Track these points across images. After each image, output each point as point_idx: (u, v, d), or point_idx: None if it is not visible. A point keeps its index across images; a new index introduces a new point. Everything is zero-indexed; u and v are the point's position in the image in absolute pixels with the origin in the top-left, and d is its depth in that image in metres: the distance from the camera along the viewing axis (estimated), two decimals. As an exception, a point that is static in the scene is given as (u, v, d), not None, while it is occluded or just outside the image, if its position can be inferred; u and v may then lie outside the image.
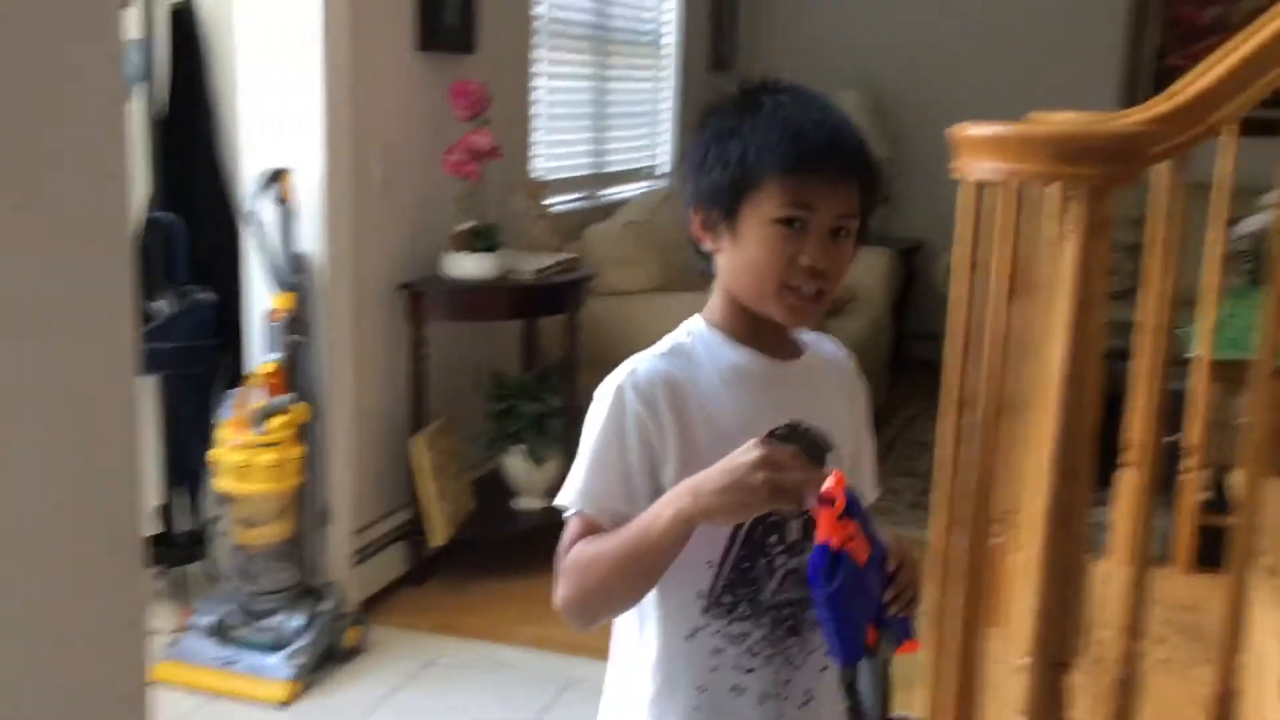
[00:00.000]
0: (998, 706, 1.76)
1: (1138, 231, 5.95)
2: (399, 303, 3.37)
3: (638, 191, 5.05)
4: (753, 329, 1.27)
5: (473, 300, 3.42)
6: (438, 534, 3.43)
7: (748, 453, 1.13)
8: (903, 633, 1.21)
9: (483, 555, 3.65)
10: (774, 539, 1.26)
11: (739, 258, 1.23)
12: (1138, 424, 2.17)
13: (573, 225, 4.37)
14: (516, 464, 3.65)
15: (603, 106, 4.87)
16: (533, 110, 4.20)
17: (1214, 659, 1.73)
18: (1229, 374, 3.22)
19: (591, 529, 1.23)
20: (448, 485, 3.50)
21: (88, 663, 1.10)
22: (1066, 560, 1.54)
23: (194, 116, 3.27)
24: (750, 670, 1.26)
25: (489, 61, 3.73)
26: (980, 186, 1.56)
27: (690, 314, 4.20)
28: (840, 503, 1.12)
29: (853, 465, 1.32)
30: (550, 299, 3.61)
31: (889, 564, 1.19)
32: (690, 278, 4.49)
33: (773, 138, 1.20)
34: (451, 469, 3.55)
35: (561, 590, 1.26)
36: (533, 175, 4.12)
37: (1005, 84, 5.21)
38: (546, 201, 4.14)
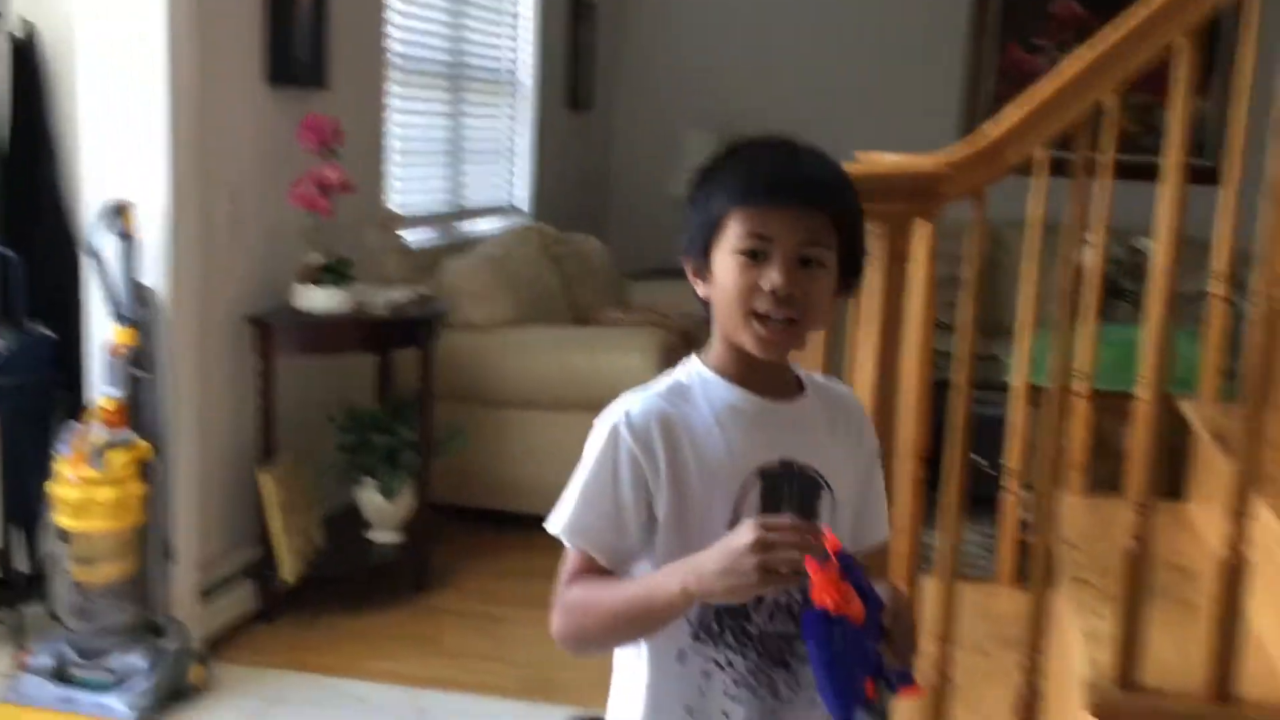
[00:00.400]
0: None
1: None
2: (246, 336, 3.35)
3: (496, 227, 5.09)
4: (747, 369, 1.31)
5: (323, 333, 3.42)
6: (287, 570, 3.40)
7: (742, 535, 1.17)
8: (901, 681, 1.23)
9: (335, 590, 3.63)
10: None
11: (715, 294, 1.29)
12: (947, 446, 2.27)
13: (430, 260, 4.39)
14: (369, 497, 3.65)
15: (459, 142, 4.91)
16: (387, 145, 4.22)
17: (1019, 664, 1.83)
18: (1038, 399, 3.40)
19: (591, 563, 1.29)
20: (297, 520, 3.48)
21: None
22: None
23: (35, 151, 3.21)
24: (737, 698, 1.30)
25: (341, 96, 3.75)
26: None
27: (549, 345, 4.28)
28: (833, 565, 1.15)
29: (857, 508, 1.37)
30: (403, 332, 3.62)
31: (884, 617, 1.21)
32: (543, 310, 4.57)
33: (732, 178, 1.27)
34: (301, 504, 3.52)
35: (558, 623, 1.30)
36: (387, 210, 4.14)
37: (852, 125, 5.41)
38: (402, 235, 4.16)
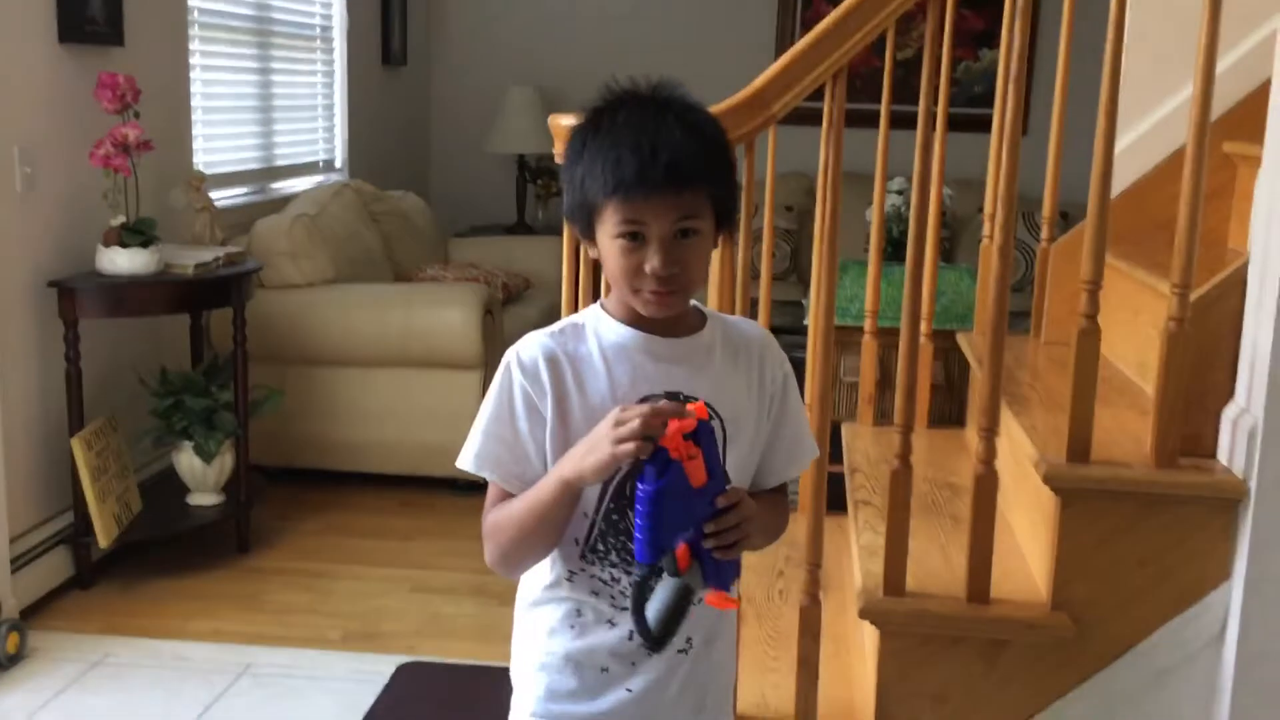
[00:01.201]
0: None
1: (789, 218, 6.41)
2: (49, 300, 3.28)
3: (311, 185, 5.05)
4: (636, 312, 1.38)
5: (129, 296, 3.37)
6: (104, 536, 3.37)
7: (604, 420, 1.27)
8: (716, 578, 1.26)
9: (155, 555, 3.61)
10: None
11: (604, 266, 1.37)
12: None
13: (242, 219, 4.35)
14: (186, 460, 3.62)
15: (268, 100, 4.84)
16: (192, 103, 4.15)
17: (802, 573, 1.98)
18: (838, 338, 3.58)
19: (503, 493, 1.39)
20: (112, 486, 3.44)
21: None
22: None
23: None
24: (623, 609, 1.38)
25: (140, 54, 3.67)
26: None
27: (366, 303, 4.29)
28: (690, 422, 1.22)
29: (769, 440, 1.43)
30: (214, 293, 3.59)
31: (722, 500, 1.27)
32: (363, 269, 4.57)
33: (598, 167, 1.32)
34: (116, 469, 3.48)
35: (486, 551, 1.41)
36: (195, 169, 4.07)
37: (670, 72, 5.52)
38: (212, 195, 4.10)
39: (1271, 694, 1.84)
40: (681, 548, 1.24)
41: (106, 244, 3.35)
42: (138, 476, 3.68)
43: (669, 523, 1.24)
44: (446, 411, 4.15)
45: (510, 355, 1.40)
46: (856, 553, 2.13)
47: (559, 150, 1.75)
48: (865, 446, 2.68)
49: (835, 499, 2.59)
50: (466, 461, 1.40)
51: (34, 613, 3.24)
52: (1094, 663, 1.91)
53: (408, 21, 6.10)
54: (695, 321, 1.42)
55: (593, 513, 1.38)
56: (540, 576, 1.44)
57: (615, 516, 1.37)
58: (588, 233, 1.38)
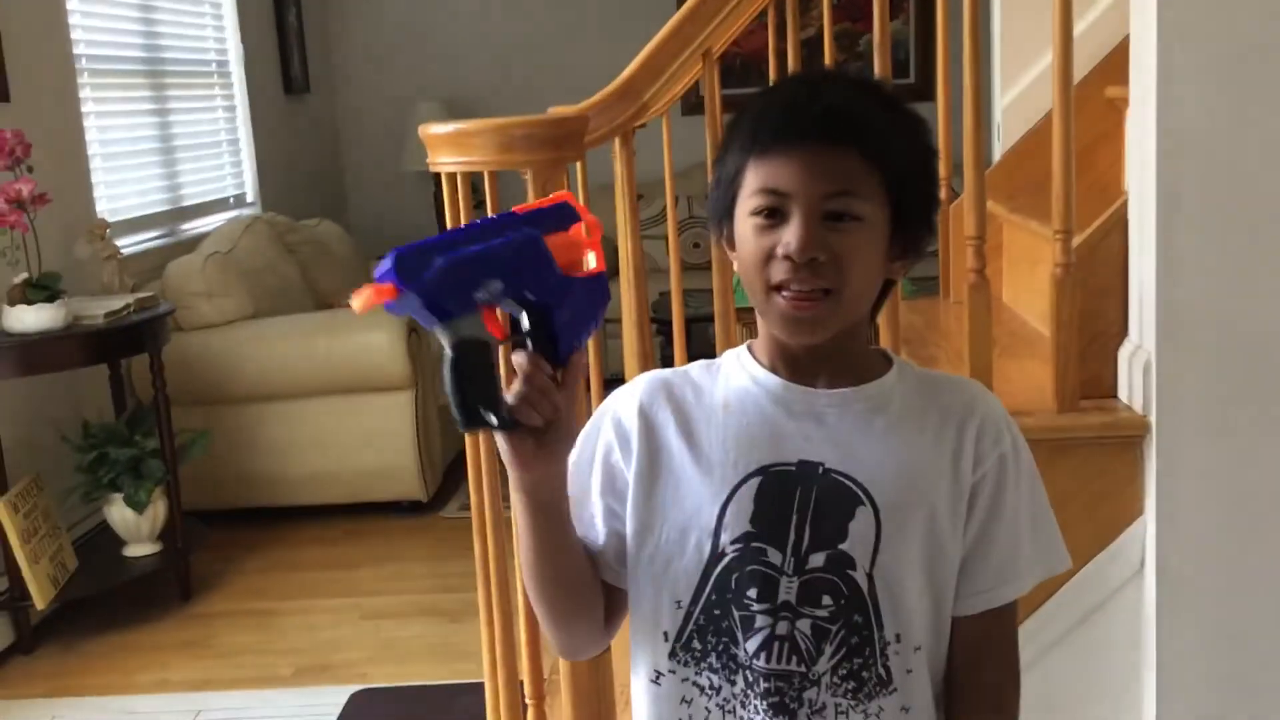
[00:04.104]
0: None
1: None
2: (-42, 365, 3.23)
3: (223, 222, 5.00)
4: (780, 350, 1.08)
5: (40, 352, 3.31)
6: (40, 598, 3.31)
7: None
8: (508, 420, 1.00)
9: (96, 611, 3.56)
10: (753, 592, 1.06)
11: (740, 268, 1.06)
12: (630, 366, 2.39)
13: (155, 263, 4.29)
14: (118, 512, 3.57)
15: (170, 140, 4.79)
16: (89, 151, 4.09)
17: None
18: (750, 318, 3.59)
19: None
20: (44, 546, 3.39)
21: None
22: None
23: None
24: None
25: (27, 106, 3.62)
26: (452, 178, 1.73)
27: (288, 334, 4.25)
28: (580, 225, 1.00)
29: (941, 541, 1.07)
30: (128, 340, 3.55)
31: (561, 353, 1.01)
32: (283, 301, 4.52)
33: (745, 125, 1.06)
34: (46, 529, 3.43)
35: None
36: (98, 218, 4.02)
37: (576, 80, 5.51)
38: (121, 241, 4.05)
39: (1193, 618, 1.87)
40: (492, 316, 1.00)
41: (11, 302, 3.30)
42: (71, 534, 3.62)
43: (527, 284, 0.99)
44: (380, 435, 4.13)
45: (612, 396, 1.14)
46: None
47: (432, 160, 1.74)
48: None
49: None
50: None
51: (-24, 683, 3.18)
52: (1021, 611, 1.93)
53: (306, 48, 6.05)
54: (869, 369, 1.10)
55: (688, 602, 1.08)
56: (631, 671, 1.15)
57: (718, 612, 1.07)
58: (728, 224, 1.07)
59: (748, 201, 1.04)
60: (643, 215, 5.81)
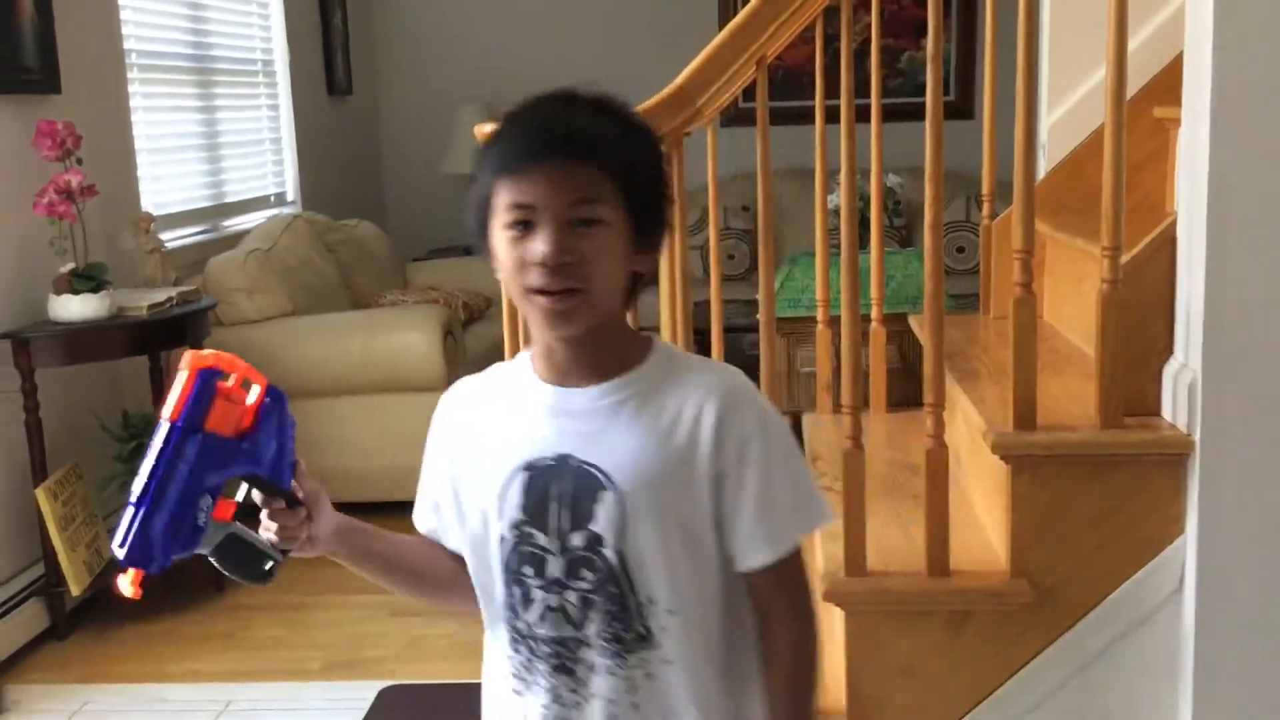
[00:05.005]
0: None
1: (748, 218, 6.43)
2: (4, 352, 3.27)
3: (264, 220, 5.04)
4: (545, 352, 1.23)
5: (84, 342, 3.35)
6: (76, 585, 3.35)
7: None
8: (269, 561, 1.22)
9: (129, 600, 3.58)
10: (529, 570, 1.24)
11: (501, 276, 1.19)
12: None
13: (195, 258, 4.34)
14: (155, 502, 3.60)
15: (214, 137, 4.84)
16: (135, 145, 4.14)
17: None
18: (790, 329, 3.61)
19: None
20: (81, 533, 3.43)
21: None
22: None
23: None
24: (526, 684, 1.27)
25: (79, 99, 3.67)
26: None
27: (325, 332, 4.29)
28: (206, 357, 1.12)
29: (685, 518, 1.20)
30: (169, 333, 3.58)
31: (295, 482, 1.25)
32: (320, 299, 4.56)
33: (493, 146, 1.18)
34: (84, 516, 3.47)
35: None
36: (143, 211, 4.06)
37: (617, 88, 5.54)
38: (162, 236, 4.09)
39: (1232, 638, 1.87)
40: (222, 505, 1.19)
41: (58, 292, 3.34)
42: (107, 522, 3.66)
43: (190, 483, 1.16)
44: (413, 435, 4.09)
45: (439, 405, 1.34)
46: (819, 538, 2.15)
47: (488, 159, 1.76)
48: (825, 434, 2.69)
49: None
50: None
51: (10, 667, 3.21)
52: (1058, 626, 1.93)
53: (350, 50, 6.10)
54: (628, 361, 1.22)
55: (490, 581, 1.29)
56: None
57: (508, 589, 1.27)
58: (485, 238, 1.20)
59: (501, 216, 1.16)
60: (679, 225, 5.80)
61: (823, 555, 2.04)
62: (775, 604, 1.25)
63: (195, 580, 3.67)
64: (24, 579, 3.37)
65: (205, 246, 4.50)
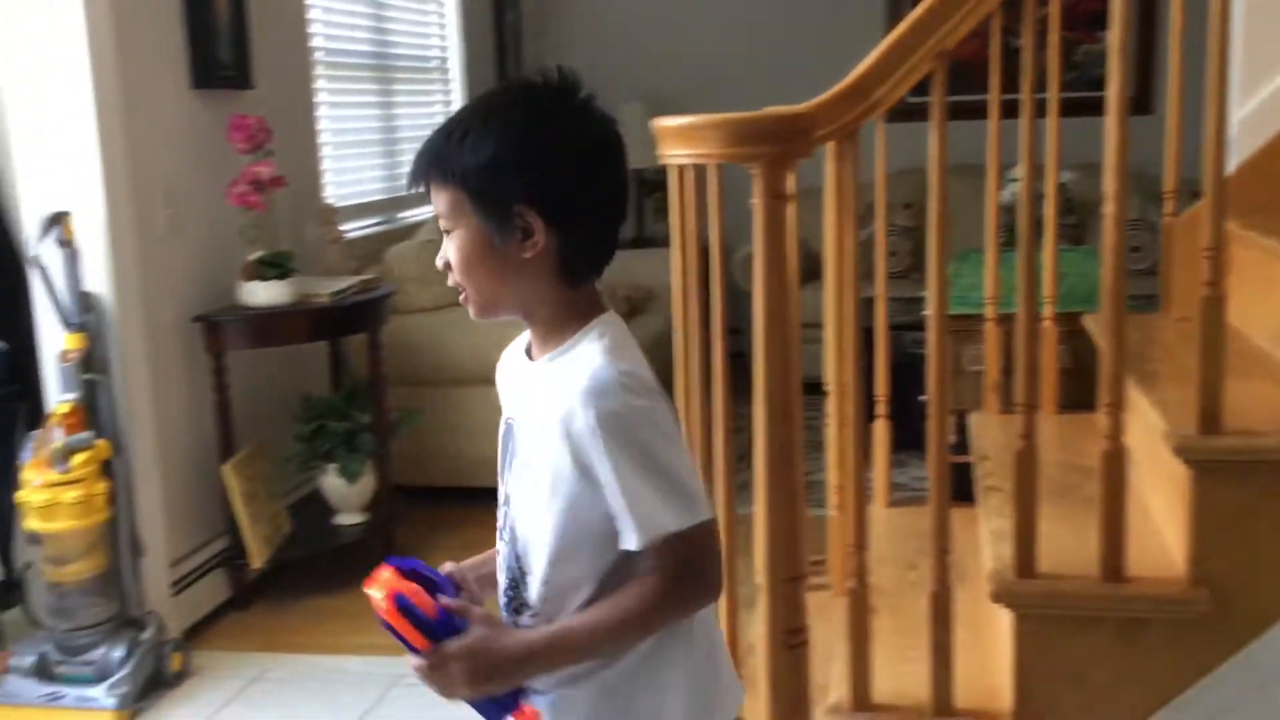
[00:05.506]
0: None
1: (908, 215, 6.32)
2: (196, 335, 3.45)
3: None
4: (529, 328, 1.36)
5: (269, 326, 3.52)
6: (257, 557, 3.51)
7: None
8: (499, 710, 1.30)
9: (306, 574, 3.75)
10: (500, 515, 1.40)
11: None
12: (831, 373, 2.37)
13: (373, 248, 4.50)
14: (331, 482, 3.76)
15: (392, 132, 5.01)
16: (319, 139, 4.32)
17: (930, 564, 1.97)
18: (955, 326, 3.54)
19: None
20: (263, 509, 3.59)
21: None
22: (784, 489, 1.76)
23: (-30, 169, 3.30)
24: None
25: (268, 95, 3.84)
26: (681, 171, 1.78)
27: (492, 323, 4.43)
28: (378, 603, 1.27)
29: (561, 490, 1.28)
30: (350, 319, 3.73)
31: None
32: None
33: None
34: (265, 493, 3.64)
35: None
36: (325, 202, 4.23)
37: (780, 84, 5.53)
38: (342, 227, 4.26)
39: None
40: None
41: (246, 278, 3.51)
42: (286, 499, 3.83)
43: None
44: (577, 424, 4.22)
45: (632, 385, 1.26)
46: (987, 538, 2.12)
47: (662, 153, 1.79)
48: (993, 434, 2.65)
49: (966, 491, 2.57)
50: (696, 515, 1.26)
51: (195, 633, 3.40)
52: (1239, 638, 1.87)
53: (521, 48, 6.23)
54: (562, 341, 1.32)
55: None
56: None
57: None
58: None
59: None
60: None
61: (991, 556, 2.02)
62: (648, 570, 1.28)
63: (369, 559, 3.81)
64: (209, 551, 3.55)
65: (381, 237, 4.66)
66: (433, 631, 1.25)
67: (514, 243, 1.26)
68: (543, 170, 1.26)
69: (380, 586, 1.26)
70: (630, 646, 1.29)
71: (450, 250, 1.30)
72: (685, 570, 1.26)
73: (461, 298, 1.32)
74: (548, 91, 1.30)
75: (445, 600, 1.29)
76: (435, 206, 1.29)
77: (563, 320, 1.32)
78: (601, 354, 1.27)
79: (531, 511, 1.31)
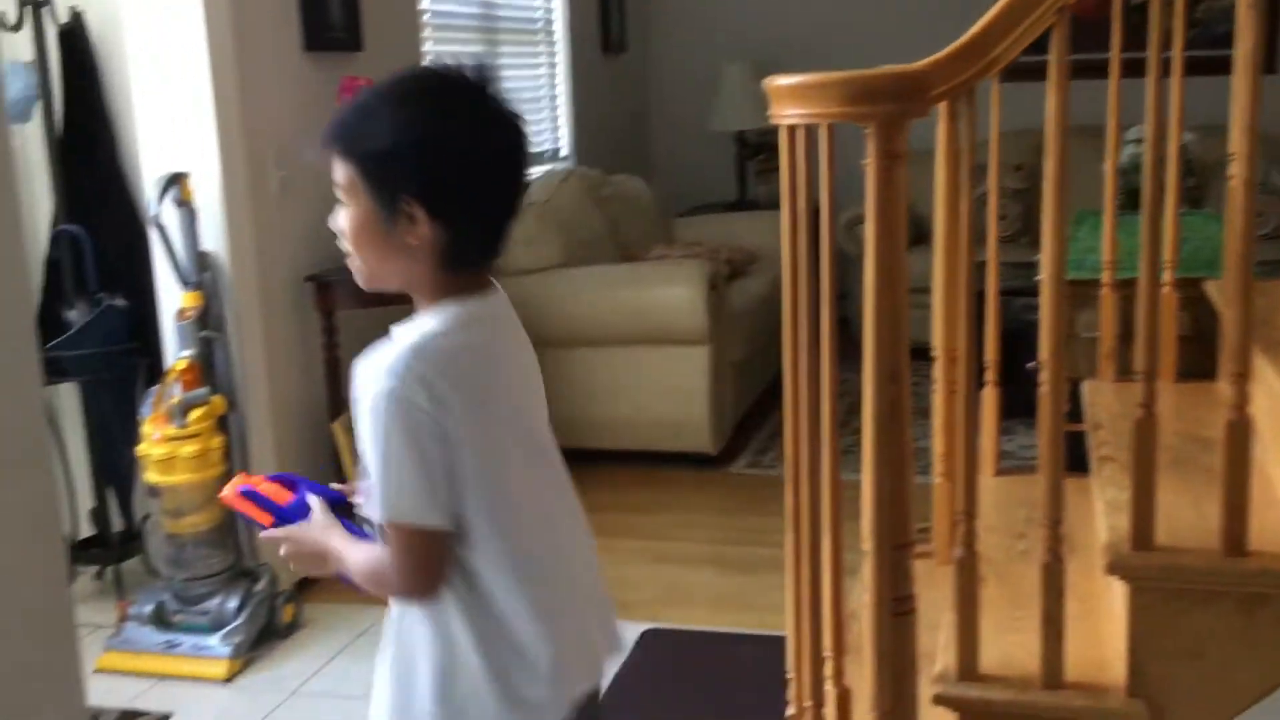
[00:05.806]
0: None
1: (1019, 178, 6.19)
2: (308, 294, 3.52)
3: (540, 174, 5.21)
4: None
5: (377, 286, 3.56)
6: (365, 512, 3.58)
7: None
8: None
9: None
10: None
11: None
12: (939, 339, 2.32)
13: (477, 211, 4.53)
14: (436, 440, 3.81)
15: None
16: (426, 102, 4.35)
17: (1041, 534, 1.93)
18: (1069, 292, 3.45)
19: None
20: (370, 465, 3.66)
21: (19, 655, 1.26)
22: (893, 454, 1.73)
23: (92, 131, 3.39)
24: None
25: (377, 56, 3.88)
26: (792, 131, 1.75)
27: (597, 284, 4.48)
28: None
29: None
30: (455, 280, 3.76)
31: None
32: (591, 252, 4.69)
33: None
34: (373, 450, 3.70)
35: None
36: (431, 165, 4.27)
37: (885, 45, 5.43)
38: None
39: None
40: None
41: (352, 239, 3.56)
42: (392, 457, 3.89)
43: None
44: (676, 388, 4.23)
45: (416, 372, 1.38)
46: (1101, 509, 2.07)
47: (774, 112, 1.77)
48: (1107, 402, 2.58)
49: (1077, 460, 2.51)
50: (405, 515, 1.37)
51: (306, 586, 3.48)
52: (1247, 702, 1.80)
53: (625, 9, 6.21)
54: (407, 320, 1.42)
55: None
56: None
57: None
58: None
59: None
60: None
61: (1106, 527, 1.97)
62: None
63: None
64: (319, 505, 3.63)
65: (486, 199, 4.69)
66: (281, 515, 1.50)
67: (399, 228, 1.33)
68: (435, 169, 1.31)
69: (238, 483, 1.54)
70: (381, 595, 1.43)
71: (343, 220, 1.38)
72: (394, 558, 1.37)
73: (350, 263, 1.41)
74: (458, 87, 1.36)
75: (309, 497, 1.50)
76: (334, 175, 1.36)
77: (424, 300, 1.41)
78: (419, 334, 1.36)
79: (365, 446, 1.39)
